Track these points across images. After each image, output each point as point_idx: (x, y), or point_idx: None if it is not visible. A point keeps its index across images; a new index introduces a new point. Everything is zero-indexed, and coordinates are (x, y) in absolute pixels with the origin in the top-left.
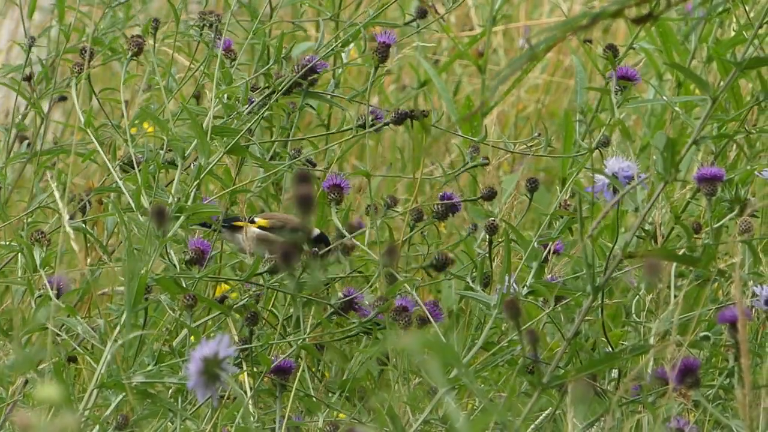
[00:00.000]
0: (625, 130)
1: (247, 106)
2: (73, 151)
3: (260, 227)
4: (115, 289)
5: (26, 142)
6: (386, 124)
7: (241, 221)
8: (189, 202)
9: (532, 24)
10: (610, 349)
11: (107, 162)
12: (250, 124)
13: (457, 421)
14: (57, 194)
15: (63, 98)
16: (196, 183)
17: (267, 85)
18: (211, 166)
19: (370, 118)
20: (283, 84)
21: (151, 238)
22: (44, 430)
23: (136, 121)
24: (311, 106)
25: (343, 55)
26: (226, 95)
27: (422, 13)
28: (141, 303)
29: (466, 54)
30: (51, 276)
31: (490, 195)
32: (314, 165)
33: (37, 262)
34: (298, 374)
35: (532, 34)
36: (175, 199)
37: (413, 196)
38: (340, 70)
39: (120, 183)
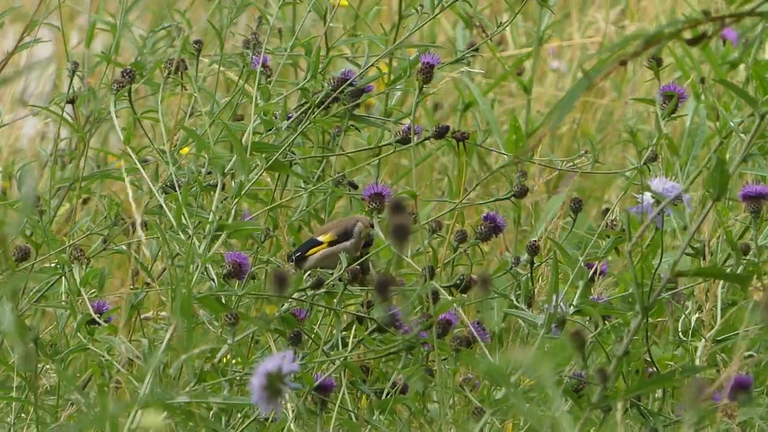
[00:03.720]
0: (672, 145)
1: (286, 121)
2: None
3: (330, 243)
4: (161, 314)
5: (68, 166)
6: (427, 138)
7: (315, 246)
8: (230, 219)
9: (564, 44)
10: (656, 369)
11: (149, 183)
12: (291, 140)
13: None
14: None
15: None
16: (236, 200)
17: (305, 100)
18: (252, 182)
19: (412, 136)
20: (320, 97)
21: (192, 257)
22: None
23: (182, 146)
24: (357, 128)
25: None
26: (263, 111)
27: (474, 47)
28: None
29: (512, 75)
30: (93, 301)
31: (522, 192)
32: (356, 187)
33: (77, 279)
34: (340, 393)
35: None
36: (216, 218)
37: (453, 220)
38: (392, 102)
39: (162, 203)
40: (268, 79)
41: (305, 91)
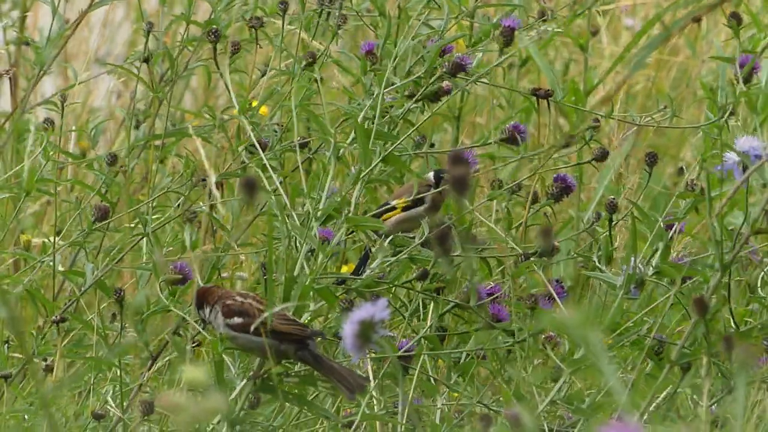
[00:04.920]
0: (751, 103)
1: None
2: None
3: (403, 208)
4: (238, 274)
5: (143, 126)
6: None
7: (389, 212)
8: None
9: (638, 2)
10: (735, 327)
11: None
12: (408, 133)
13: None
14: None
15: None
16: (355, 187)
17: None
18: (368, 170)
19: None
20: (433, 82)
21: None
22: (194, 411)
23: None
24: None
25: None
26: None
27: (542, 15)
28: (304, 309)
29: (567, 33)
30: (175, 262)
31: (603, 155)
32: (432, 145)
33: (188, 243)
34: (420, 358)
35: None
36: (322, 201)
37: (534, 182)
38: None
39: (272, 178)
40: (374, 66)
41: (417, 85)
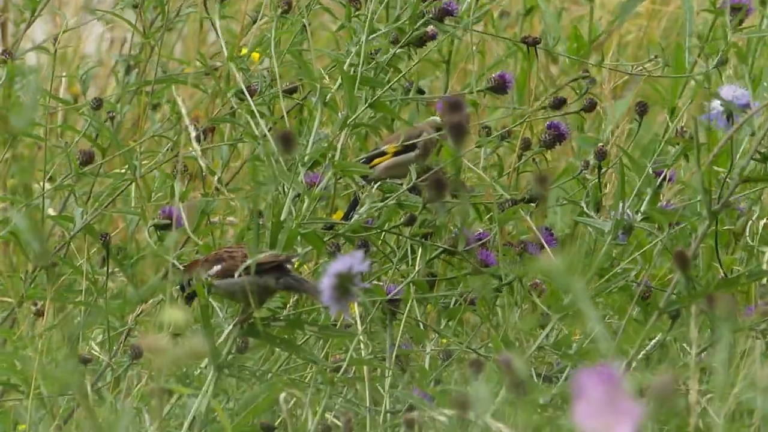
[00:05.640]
0: (740, 53)
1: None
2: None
3: (395, 153)
4: (228, 219)
5: (135, 71)
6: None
7: (379, 156)
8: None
9: None
10: (723, 274)
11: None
12: (396, 79)
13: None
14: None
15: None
16: (340, 133)
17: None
18: (355, 116)
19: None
20: (419, 26)
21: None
22: (176, 353)
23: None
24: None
25: None
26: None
27: None
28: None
29: None
30: (165, 206)
31: (591, 106)
32: (423, 93)
33: (177, 194)
34: (408, 303)
35: None
36: (309, 146)
37: (523, 128)
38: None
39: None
40: (358, 12)
41: (401, 31)
